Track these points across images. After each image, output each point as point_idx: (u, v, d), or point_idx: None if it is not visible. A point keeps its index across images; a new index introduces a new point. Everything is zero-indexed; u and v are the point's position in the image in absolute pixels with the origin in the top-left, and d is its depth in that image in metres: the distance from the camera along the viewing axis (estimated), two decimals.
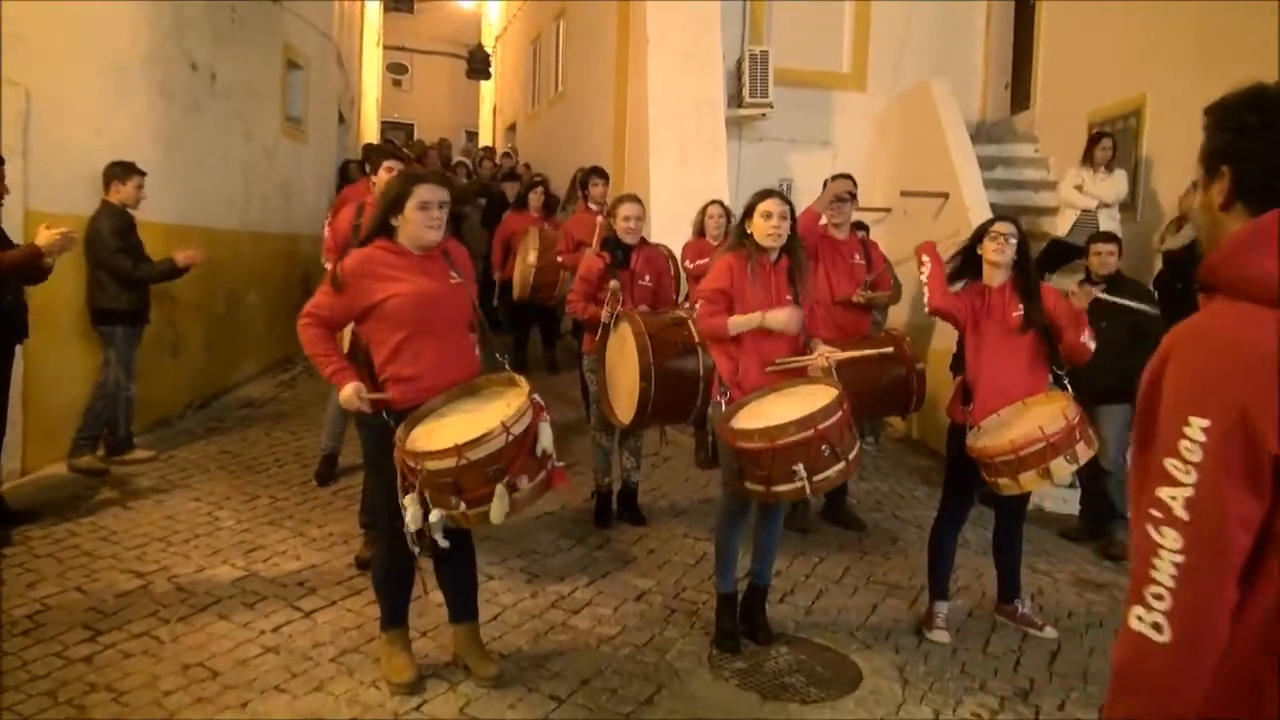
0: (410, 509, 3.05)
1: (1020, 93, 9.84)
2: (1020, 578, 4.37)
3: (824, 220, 5.33)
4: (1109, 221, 7.07)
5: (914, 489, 6.58)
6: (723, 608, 3.96)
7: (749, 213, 3.88)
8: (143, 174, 5.65)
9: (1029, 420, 3.88)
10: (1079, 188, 7.27)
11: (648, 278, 5.19)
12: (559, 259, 7.49)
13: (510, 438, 2.95)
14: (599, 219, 6.97)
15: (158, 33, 6.27)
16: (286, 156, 8.76)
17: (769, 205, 3.83)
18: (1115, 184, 7.19)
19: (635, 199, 5.24)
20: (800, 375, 3.87)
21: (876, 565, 4.97)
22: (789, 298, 3.86)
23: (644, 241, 5.31)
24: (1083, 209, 7.21)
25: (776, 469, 3.49)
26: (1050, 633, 4.21)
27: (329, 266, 5.30)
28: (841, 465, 3.54)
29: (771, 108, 9.12)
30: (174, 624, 3.77)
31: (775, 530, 4.03)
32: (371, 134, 18.27)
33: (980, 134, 9.62)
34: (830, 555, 5.03)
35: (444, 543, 3.09)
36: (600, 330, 5.00)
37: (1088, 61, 8.54)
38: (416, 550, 3.14)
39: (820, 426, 3.42)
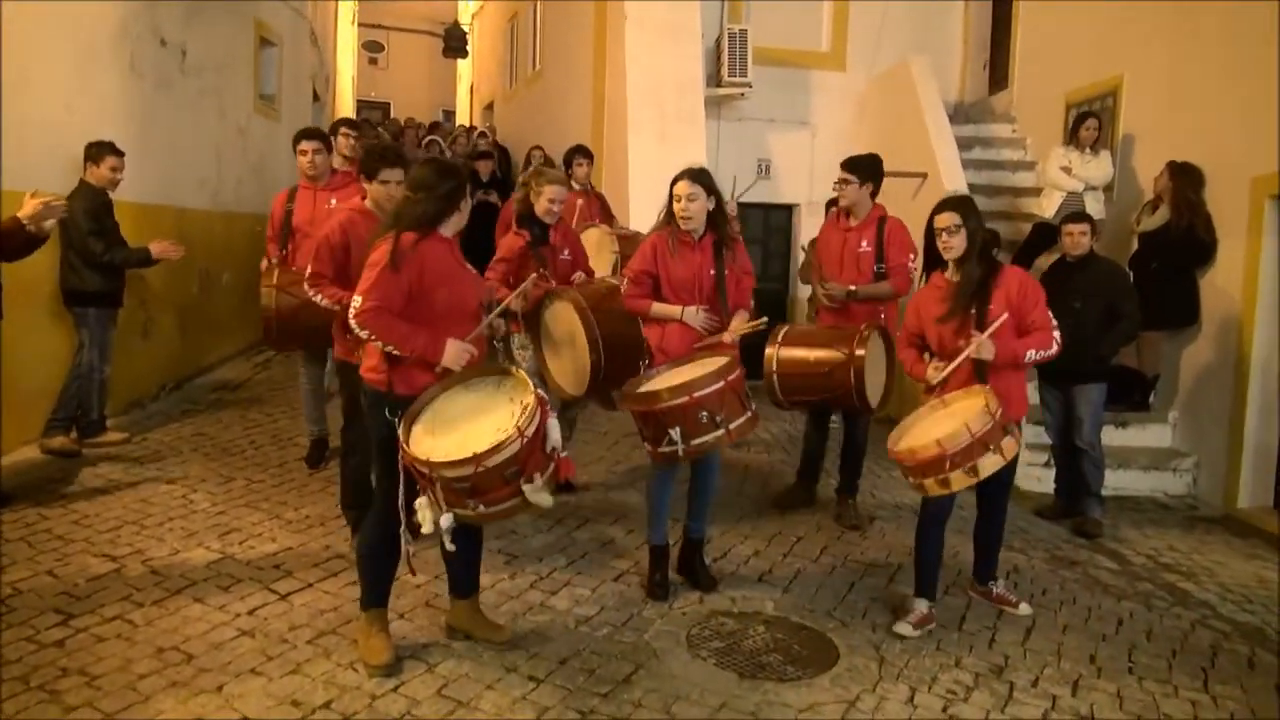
0: (422, 512, 3.09)
1: (998, 73, 9.85)
2: (998, 560, 4.38)
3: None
4: (1093, 203, 7.10)
5: (891, 469, 6.60)
6: (653, 559, 4.20)
7: (670, 194, 4.09)
8: (120, 154, 5.55)
9: (952, 418, 3.74)
10: (1066, 169, 7.25)
11: (566, 252, 5.14)
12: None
13: (525, 440, 2.97)
14: (579, 201, 6.94)
15: (126, 8, 6.15)
16: (260, 135, 8.64)
17: (679, 188, 4.06)
18: (1102, 165, 7.20)
19: (562, 181, 5.09)
20: (722, 348, 4.06)
21: (854, 544, 4.99)
22: (711, 272, 4.10)
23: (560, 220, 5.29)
24: (1070, 191, 7.22)
25: (653, 431, 3.79)
26: (1025, 609, 4.22)
27: (271, 258, 5.16)
28: (720, 432, 3.71)
29: (750, 87, 9.08)
30: (148, 607, 3.73)
31: (706, 486, 4.27)
32: (347, 112, 18.05)
33: (958, 114, 9.63)
34: (808, 535, 5.05)
35: (451, 546, 3.13)
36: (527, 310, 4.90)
37: (1065, 42, 8.55)
38: (411, 543, 3.21)
39: (697, 394, 3.66)
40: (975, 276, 3.90)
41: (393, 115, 21.04)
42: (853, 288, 5.01)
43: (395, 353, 3.20)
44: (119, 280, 5.64)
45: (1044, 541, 5.26)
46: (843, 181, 5.17)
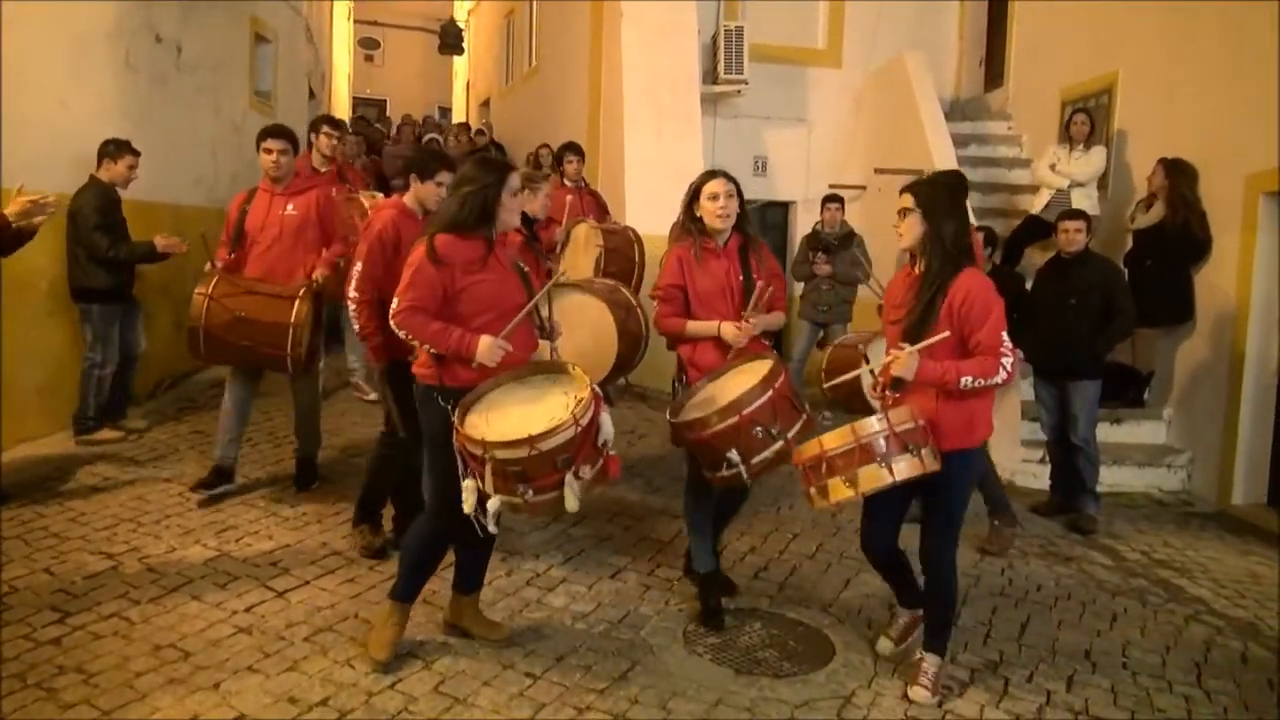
0: (468, 495, 3.13)
1: (994, 70, 9.86)
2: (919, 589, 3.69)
3: None
4: (1083, 200, 7.11)
5: None
6: (704, 586, 3.96)
7: (695, 195, 3.83)
8: (136, 153, 5.62)
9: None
10: (1053, 166, 7.32)
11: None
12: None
13: (579, 429, 3.00)
14: (569, 197, 6.96)
15: (121, 5, 6.14)
16: (256, 132, 8.61)
17: (714, 186, 3.77)
18: (1090, 162, 7.22)
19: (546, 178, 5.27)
20: (755, 347, 3.82)
21: (849, 541, 4.99)
22: (740, 279, 3.80)
23: (550, 219, 5.56)
24: (1057, 188, 7.25)
25: (710, 457, 3.53)
26: (923, 696, 3.39)
27: (218, 262, 4.86)
28: (779, 445, 3.45)
29: (747, 84, 9.09)
30: (145, 605, 3.74)
31: (734, 498, 4.07)
32: (343, 109, 18.06)
33: (954, 111, 9.64)
34: (804, 532, 5.06)
35: (494, 528, 3.15)
36: None
37: (1060, 39, 8.56)
38: (494, 530, 3.17)
39: (747, 411, 3.40)
40: (934, 276, 3.28)
41: (389, 112, 21.01)
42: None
43: (434, 351, 3.25)
44: (124, 277, 5.65)
45: (1039, 538, 5.28)
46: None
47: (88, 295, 5.52)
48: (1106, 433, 6.36)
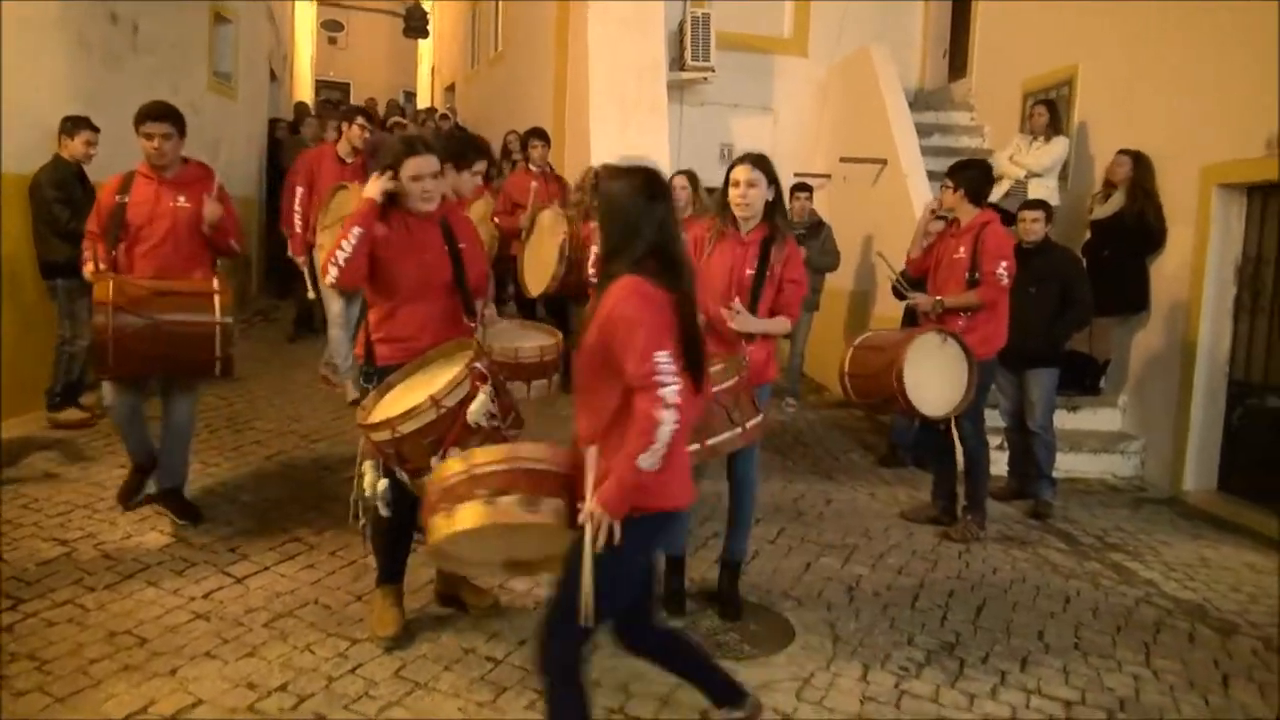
0: (368, 475, 3.20)
1: (958, 61, 9.94)
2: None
3: None
4: (1041, 190, 7.17)
5: (849, 450, 6.70)
6: (667, 571, 3.97)
7: (726, 179, 3.78)
8: (95, 129, 5.57)
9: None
10: (1011, 157, 7.40)
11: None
12: (494, 220, 7.40)
13: (442, 410, 2.95)
14: (533, 183, 6.95)
15: None
16: (215, 114, 8.48)
17: (737, 172, 3.72)
18: (1049, 152, 7.28)
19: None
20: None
21: (810, 526, 5.06)
22: (749, 272, 3.72)
23: None
24: (1015, 179, 7.34)
25: None
26: None
27: (100, 261, 4.20)
28: (737, 430, 3.47)
29: (713, 71, 9.07)
30: (100, 591, 3.69)
31: (744, 503, 3.96)
32: (305, 92, 17.80)
33: (918, 101, 9.71)
34: (766, 516, 5.10)
35: (385, 511, 3.23)
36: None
37: (1023, 31, 8.65)
38: (385, 513, 3.24)
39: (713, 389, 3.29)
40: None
41: (352, 96, 20.76)
42: (940, 299, 4.96)
43: (345, 253, 3.27)
44: None
45: (996, 522, 5.36)
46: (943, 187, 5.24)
47: (52, 271, 5.49)
48: (1063, 420, 6.46)
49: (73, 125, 5.51)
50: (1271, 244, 5.96)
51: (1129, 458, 6.63)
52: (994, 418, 6.12)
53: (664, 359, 2.36)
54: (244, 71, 9.49)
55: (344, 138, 6.76)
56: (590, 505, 2.39)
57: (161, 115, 4.24)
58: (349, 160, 6.66)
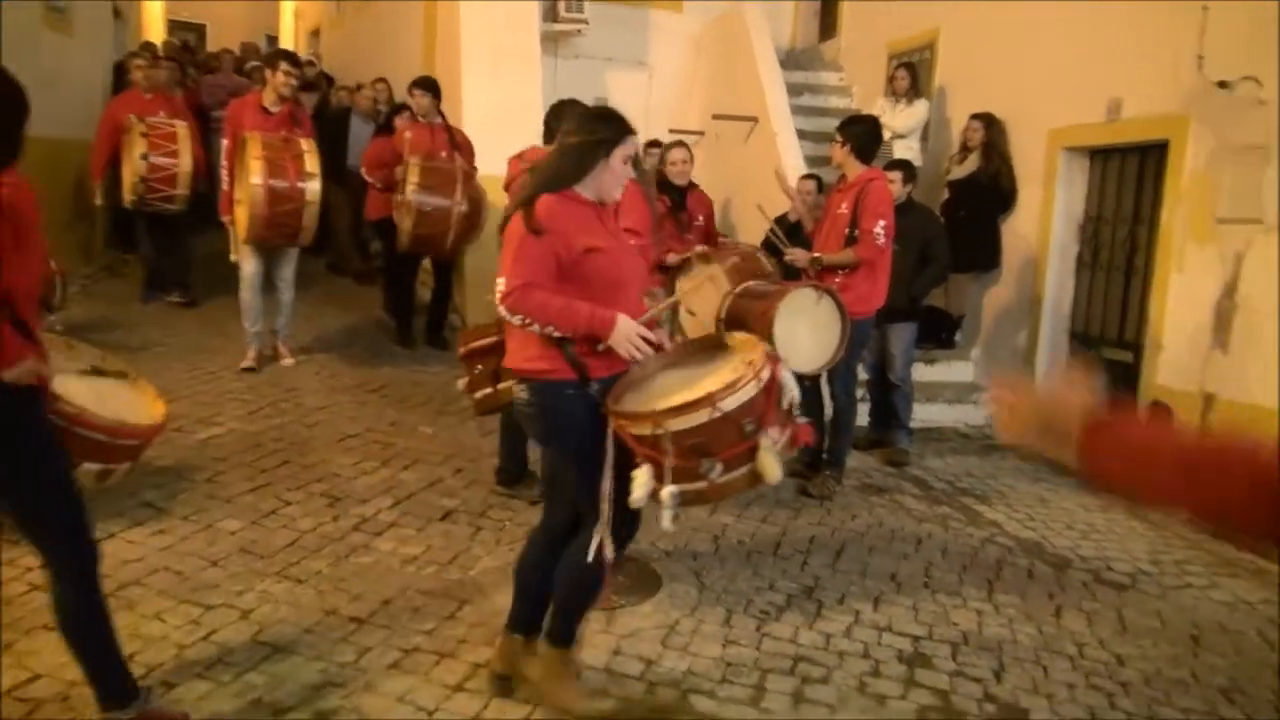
0: (638, 485, 2.61)
1: (828, 21, 10.11)
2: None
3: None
4: (905, 151, 7.43)
5: None
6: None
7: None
8: None
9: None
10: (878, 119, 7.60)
11: (701, 219, 6.03)
12: (366, 176, 7.15)
13: (761, 384, 2.59)
14: (407, 134, 6.67)
15: None
16: (50, 50, 7.85)
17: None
18: (912, 114, 7.53)
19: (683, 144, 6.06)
20: None
21: None
22: None
23: (692, 184, 6.16)
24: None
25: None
26: None
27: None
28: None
29: (587, 23, 8.97)
30: None
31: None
32: (156, 33, 16.64)
33: (789, 60, 9.83)
34: None
35: (670, 526, 2.64)
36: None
37: None
38: (670, 527, 2.65)
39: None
40: None
41: (208, 39, 19.57)
42: (817, 255, 5.01)
43: (557, 334, 2.69)
44: None
45: (856, 471, 5.58)
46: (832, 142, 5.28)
47: None
48: (921, 372, 6.75)
49: None
50: (1111, 204, 6.34)
51: (980, 407, 6.99)
52: (857, 370, 6.35)
53: None
54: (81, 6, 8.80)
55: (269, 85, 6.04)
56: None
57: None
58: (274, 110, 5.99)
